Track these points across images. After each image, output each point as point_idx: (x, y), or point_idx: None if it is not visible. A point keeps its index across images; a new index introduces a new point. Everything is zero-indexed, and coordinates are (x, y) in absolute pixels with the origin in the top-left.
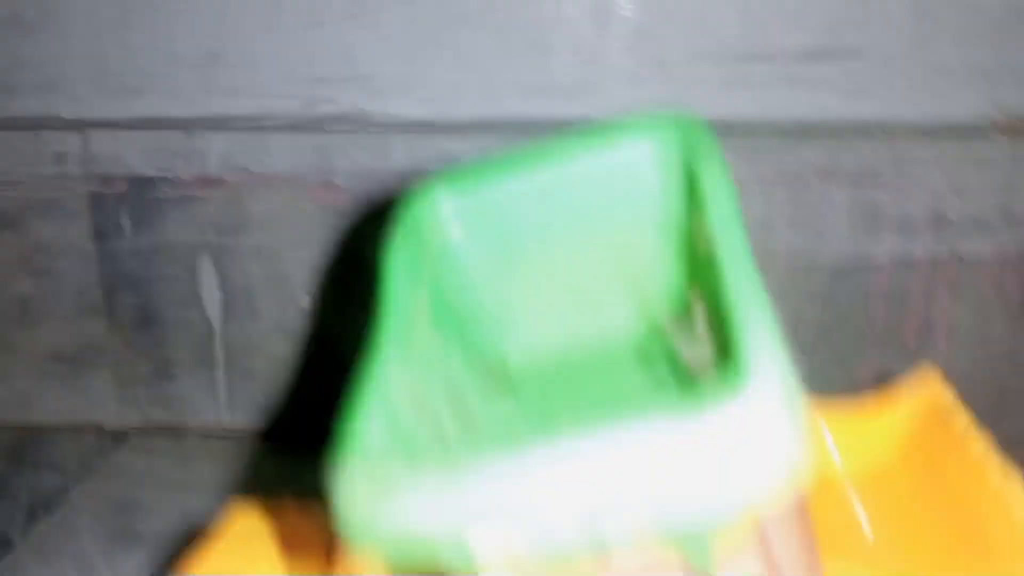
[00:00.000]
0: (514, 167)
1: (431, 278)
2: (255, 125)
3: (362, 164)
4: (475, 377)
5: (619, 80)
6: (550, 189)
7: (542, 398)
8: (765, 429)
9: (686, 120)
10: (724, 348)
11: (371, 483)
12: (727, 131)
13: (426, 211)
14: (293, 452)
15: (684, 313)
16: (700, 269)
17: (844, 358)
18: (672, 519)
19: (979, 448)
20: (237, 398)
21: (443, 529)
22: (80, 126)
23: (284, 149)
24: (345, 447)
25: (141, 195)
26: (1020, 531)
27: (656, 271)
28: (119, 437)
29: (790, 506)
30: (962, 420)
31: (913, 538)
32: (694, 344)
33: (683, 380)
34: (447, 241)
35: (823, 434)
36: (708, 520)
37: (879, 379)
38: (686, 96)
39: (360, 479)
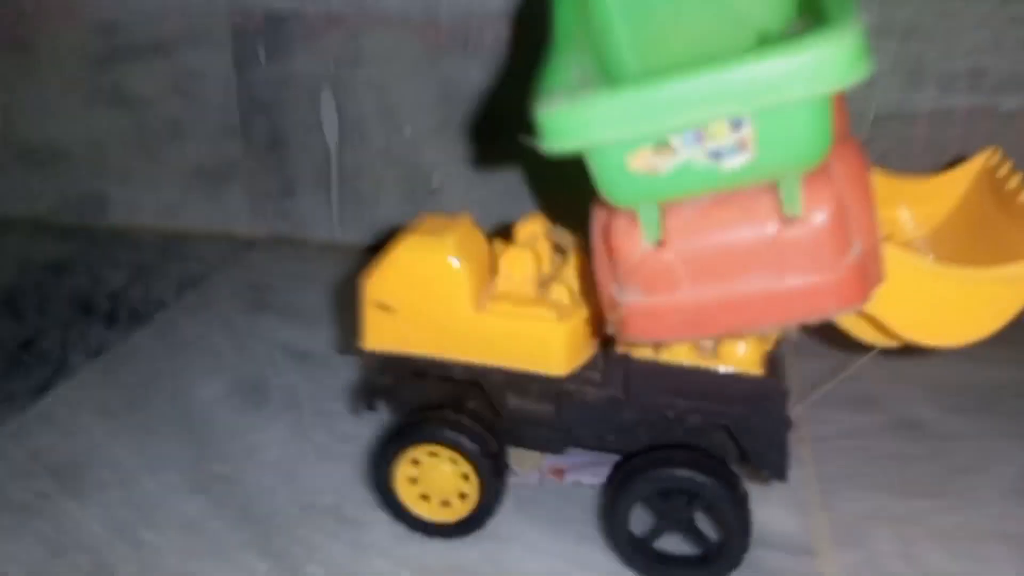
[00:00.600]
0: None
1: (588, 28)
2: None
3: (462, 6)
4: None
5: None
6: None
7: None
8: (841, 51)
9: None
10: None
11: (569, 97)
12: None
13: None
14: None
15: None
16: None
17: None
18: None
19: (1018, 185)
20: (348, 217)
21: (613, 125)
22: None
23: None
24: (543, 87)
25: (275, 29)
26: None
27: (768, 23)
28: (249, 244)
29: (851, 160)
30: (1014, 179)
31: (953, 249)
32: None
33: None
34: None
35: (901, 197)
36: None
37: None
38: None
39: (558, 97)
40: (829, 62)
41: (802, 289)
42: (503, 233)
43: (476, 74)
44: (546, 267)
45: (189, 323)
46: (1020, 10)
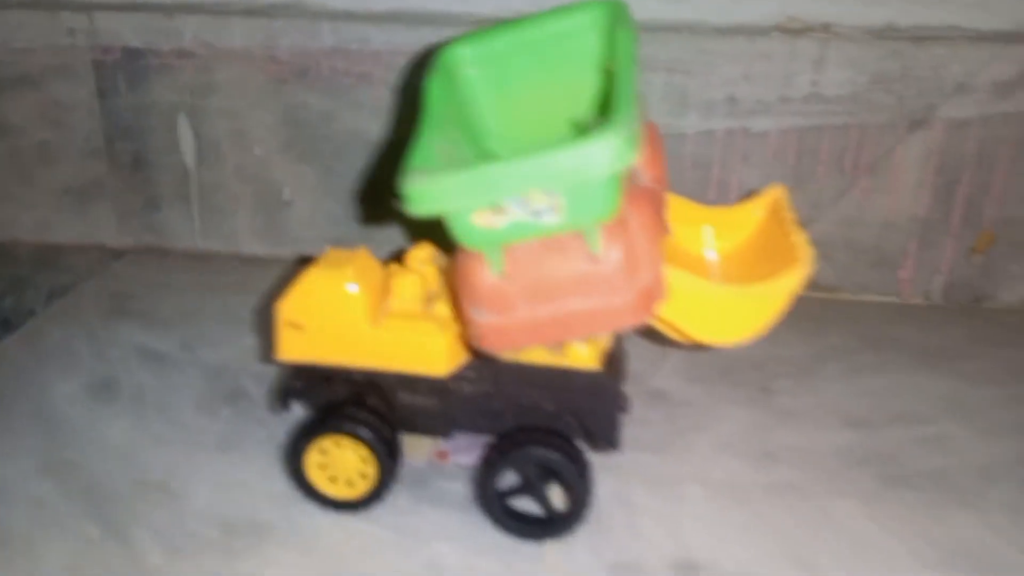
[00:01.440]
0: (508, 31)
1: (456, 100)
2: (219, 10)
3: (299, 43)
4: (473, 148)
5: None
6: (530, 43)
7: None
8: (614, 145)
9: (613, 2)
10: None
11: (427, 174)
12: None
13: (453, 57)
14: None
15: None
16: (609, 85)
17: None
18: (572, 185)
19: (794, 227)
20: (208, 228)
21: (459, 196)
22: (87, 8)
23: (240, 29)
24: (410, 165)
25: (133, 63)
26: (802, 262)
27: (592, 96)
28: (117, 254)
29: (641, 208)
30: (790, 213)
31: (739, 269)
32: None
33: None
34: (467, 77)
35: (704, 221)
36: (593, 186)
37: None
38: None
39: (419, 174)
40: (603, 154)
41: (605, 308)
42: (397, 258)
43: (315, 101)
44: (431, 287)
45: (54, 330)
46: (765, 47)
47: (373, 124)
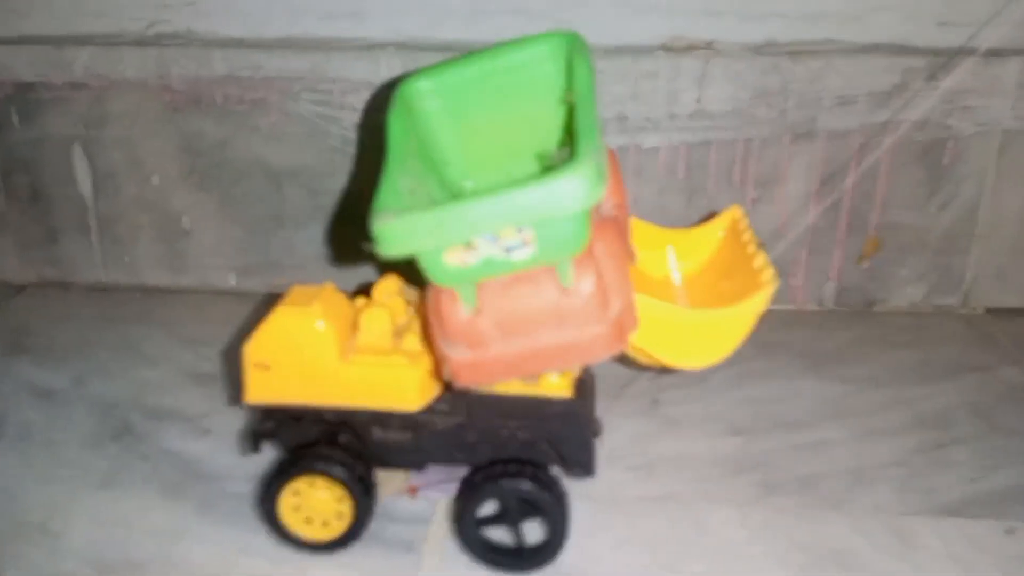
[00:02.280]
0: (467, 63)
1: (417, 133)
2: (110, 40)
3: (191, 71)
4: (442, 190)
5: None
6: (490, 76)
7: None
8: (584, 182)
9: (570, 33)
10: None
11: (398, 215)
12: None
13: (413, 90)
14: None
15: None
16: (569, 116)
17: None
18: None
19: (753, 246)
20: (110, 259)
21: (431, 236)
22: None
23: (132, 59)
24: (378, 206)
25: (25, 96)
26: (764, 285)
27: (552, 125)
28: (19, 289)
29: (608, 238)
30: (749, 232)
31: (703, 291)
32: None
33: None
34: (427, 110)
35: (665, 243)
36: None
37: None
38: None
39: (388, 215)
40: (574, 191)
41: (579, 340)
42: (364, 291)
43: (211, 128)
44: (400, 320)
45: None
46: (651, 65)
47: (270, 149)
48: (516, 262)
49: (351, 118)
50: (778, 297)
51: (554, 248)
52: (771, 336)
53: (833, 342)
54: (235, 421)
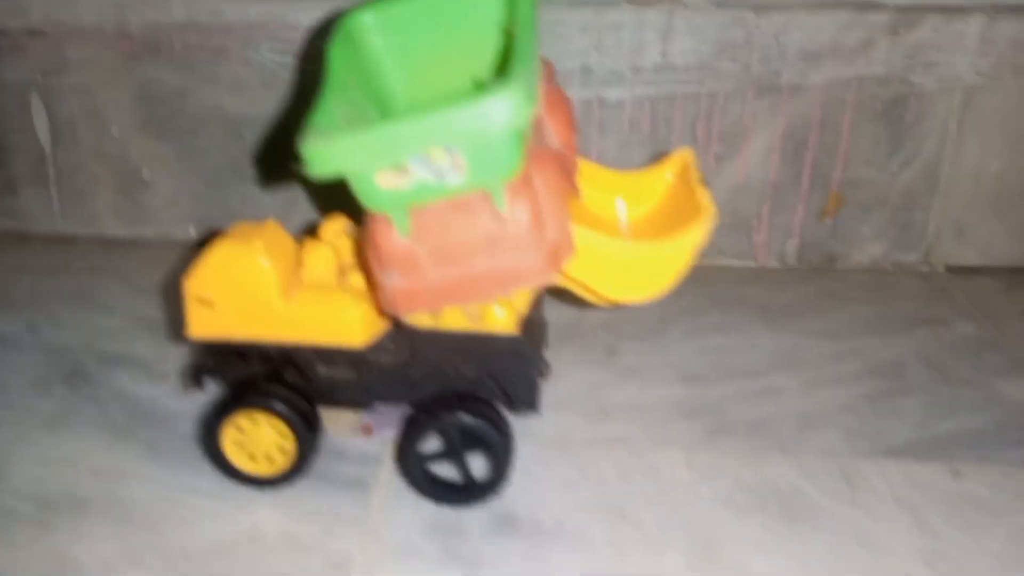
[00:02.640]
0: None
1: (356, 63)
2: None
3: (150, 18)
4: (378, 113)
5: None
6: (433, 9)
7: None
8: (512, 101)
9: None
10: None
11: (327, 135)
12: None
13: (356, 24)
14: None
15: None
16: (509, 43)
17: None
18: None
19: (699, 185)
20: (68, 210)
21: (360, 156)
22: None
23: (89, 5)
24: (311, 126)
25: None
26: (704, 217)
27: (492, 54)
28: None
29: (547, 168)
30: (697, 173)
31: (650, 231)
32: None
33: None
34: (371, 44)
35: (615, 186)
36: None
37: None
38: None
39: (317, 135)
40: (501, 110)
41: (513, 267)
42: (311, 231)
43: (170, 77)
44: (345, 259)
45: None
46: (615, 17)
47: (230, 99)
48: (449, 186)
49: (312, 66)
50: (740, 253)
51: (486, 172)
52: (732, 291)
53: (792, 297)
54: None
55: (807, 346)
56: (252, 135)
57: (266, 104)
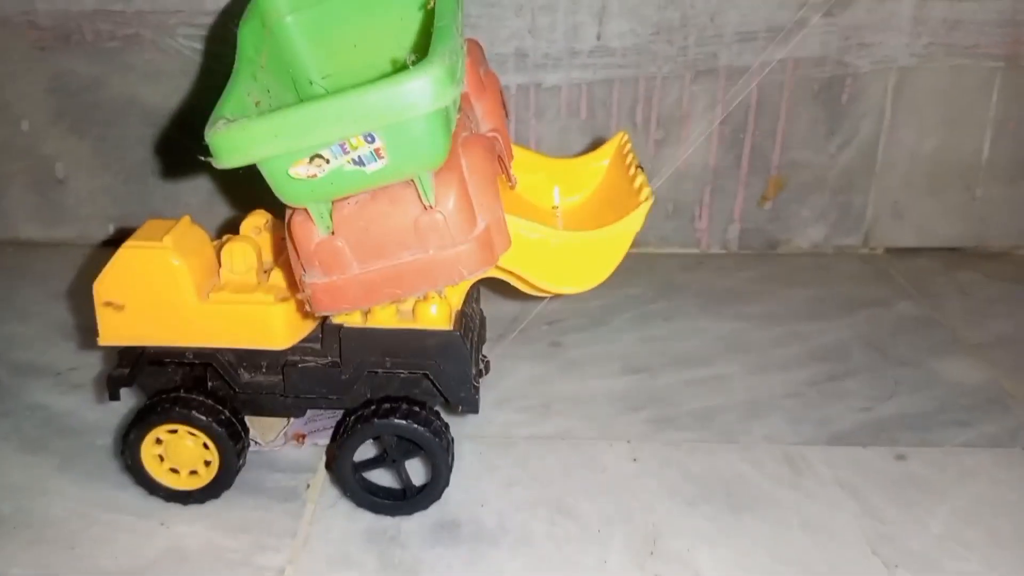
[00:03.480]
0: None
1: (269, 45)
2: None
3: (58, 6)
4: (295, 98)
5: None
6: None
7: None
8: (432, 80)
9: None
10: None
11: (233, 122)
12: None
13: (269, 4)
14: None
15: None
16: (430, 23)
17: None
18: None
19: (634, 168)
20: None
21: (270, 144)
22: None
23: None
24: (218, 113)
25: None
26: (640, 204)
27: (411, 33)
28: None
29: (475, 154)
30: (632, 155)
31: (588, 217)
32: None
33: None
34: (285, 24)
35: (550, 172)
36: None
37: None
38: None
39: (223, 122)
40: (422, 90)
41: (443, 259)
42: (230, 228)
43: (82, 67)
44: (268, 256)
45: None
46: None
47: (147, 89)
48: (369, 174)
49: (233, 53)
50: (684, 241)
51: (409, 159)
52: (675, 278)
53: (733, 282)
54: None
55: (749, 331)
56: (171, 127)
57: (184, 93)
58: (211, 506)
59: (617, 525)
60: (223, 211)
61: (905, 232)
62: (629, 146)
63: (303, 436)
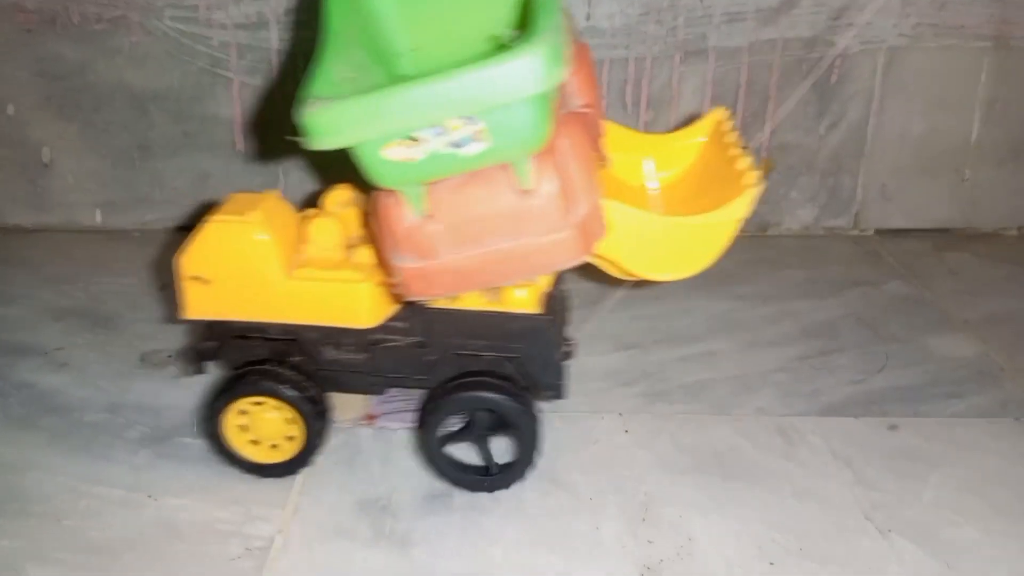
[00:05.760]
0: None
1: (357, 17)
2: None
3: None
4: (383, 72)
5: None
6: None
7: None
8: (540, 61)
9: None
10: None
11: (329, 102)
12: None
13: None
14: None
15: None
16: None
17: None
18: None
19: (736, 149)
20: None
21: (367, 126)
22: None
23: None
24: (309, 92)
25: None
26: (746, 188)
27: (504, 3)
28: None
29: (574, 135)
30: (733, 135)
31: (682, 199)
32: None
33: None
34: None
35: (643, 149)
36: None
37: None
38: None
39: (318, 102)
40: (528, 71)
41: (539, 247)
42: (313, 203)
43: (69, 51)
44: (353, 232)
45: None
46: None
47: (134, 73)
48: (466, 158)
49: (220, 36)
50: None
51: (509, 142)
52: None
53: (724, 264)
54: (93, 355)
55: (741, 310)
56: (159, 110)
57: (171, 77)
58: (201, 479)
59: (609, 495)
60: (211, 192)
61: (895, 213)
62: (730, 124)
63: (374, 417)
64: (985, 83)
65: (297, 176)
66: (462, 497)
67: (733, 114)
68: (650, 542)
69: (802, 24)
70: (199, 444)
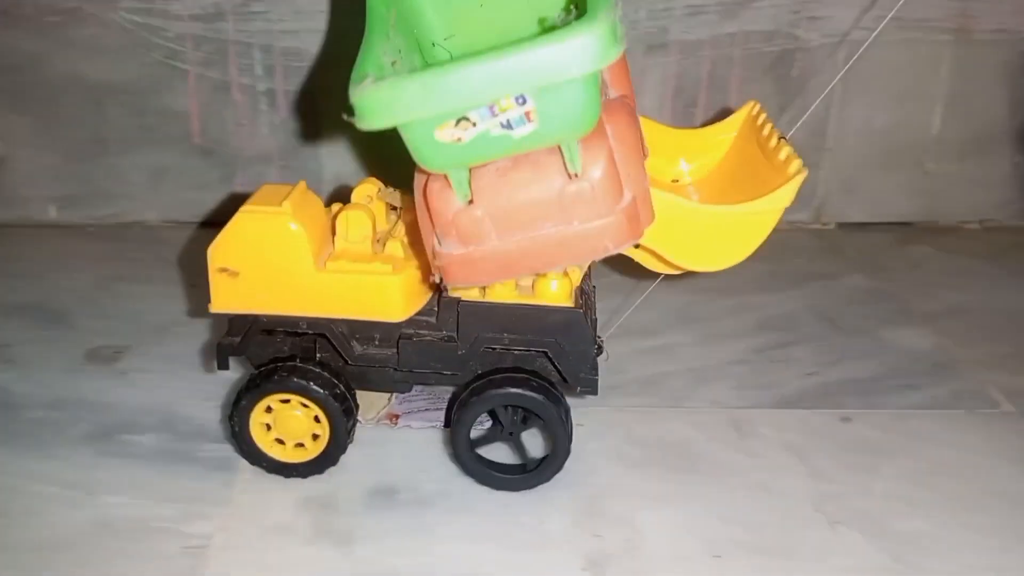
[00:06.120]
0: None
1: (397, 3)
2: None
3: None
4: (420, 60)
5: None
6: None
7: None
8: (600, 39)
9: None
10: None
11: (381, 81)
12: None
13: None
14: None
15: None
16: None
17: None
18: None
19: (775, 139)
20: None
21: (420, 104)
22: None
23: None
24: (359, 72)
25: None
26: (791, 177)
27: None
28: None
29: (621, 120)
30: (768, 126)
31: (715, 191)
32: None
33: None
34: None
35: (674, 143)
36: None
37: None
38: None
39: (370, 81)
40: (585, 49)
41: (586, 232)
42: (340, 196)
43: (22, 43)
44: (381, 225)
45: None
46: None
47: (89, 65)
48: (516, 139)
49: (177, 27)
50: None
51: (560, 123)
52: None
53: None
54: (41, 351)
55: (700, 303)
56: (114, 103)
57: (127, 69)
58: (141, 476)
59: (559, 489)
60: (167, 189)
61: (856, 207)
62: (764, 116)
63: (396, 417)
64: (946, 77)
65: (255, 171)
66: (407, 493)
67: (695, 108)
68: (596, 536)
69: (764, 17)
70: (143, 441)
